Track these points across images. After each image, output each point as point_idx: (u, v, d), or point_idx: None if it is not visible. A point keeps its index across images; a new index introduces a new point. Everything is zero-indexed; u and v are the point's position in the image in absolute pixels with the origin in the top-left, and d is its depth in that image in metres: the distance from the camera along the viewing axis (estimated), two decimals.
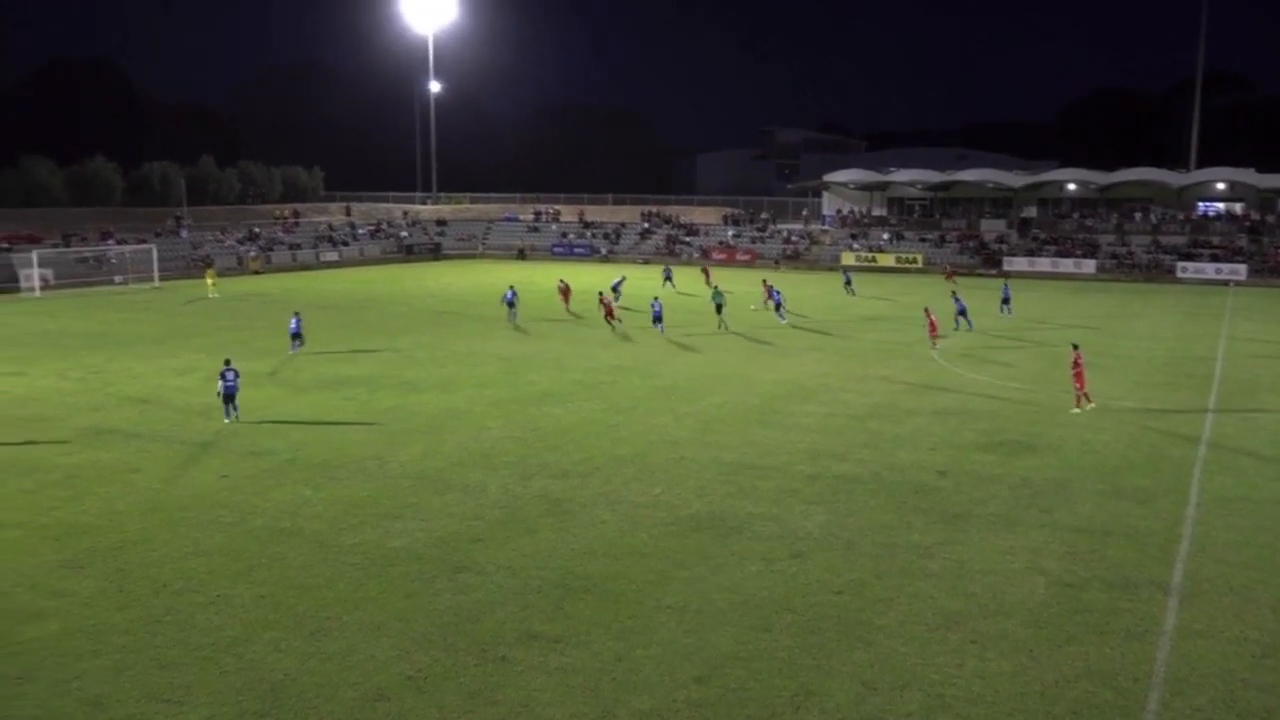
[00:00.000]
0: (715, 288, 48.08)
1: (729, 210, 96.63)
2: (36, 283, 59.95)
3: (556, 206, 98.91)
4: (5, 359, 37.11)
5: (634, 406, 29.10)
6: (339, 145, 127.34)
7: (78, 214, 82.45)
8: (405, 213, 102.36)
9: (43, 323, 46.95)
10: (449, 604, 15.70)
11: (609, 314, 43.88)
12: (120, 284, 64.35)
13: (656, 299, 45.04)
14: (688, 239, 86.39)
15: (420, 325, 46.01)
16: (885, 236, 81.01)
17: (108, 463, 23.35)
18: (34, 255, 61.35)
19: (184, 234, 79.36)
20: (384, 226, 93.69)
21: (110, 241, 71.63)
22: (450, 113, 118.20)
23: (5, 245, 67.01)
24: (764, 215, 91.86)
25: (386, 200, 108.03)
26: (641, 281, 63.15)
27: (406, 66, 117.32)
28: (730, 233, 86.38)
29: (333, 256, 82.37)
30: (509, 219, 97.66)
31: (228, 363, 28.36)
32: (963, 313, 44.63)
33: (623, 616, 15.25)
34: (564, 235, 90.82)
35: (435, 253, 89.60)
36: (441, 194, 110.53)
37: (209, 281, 59.84)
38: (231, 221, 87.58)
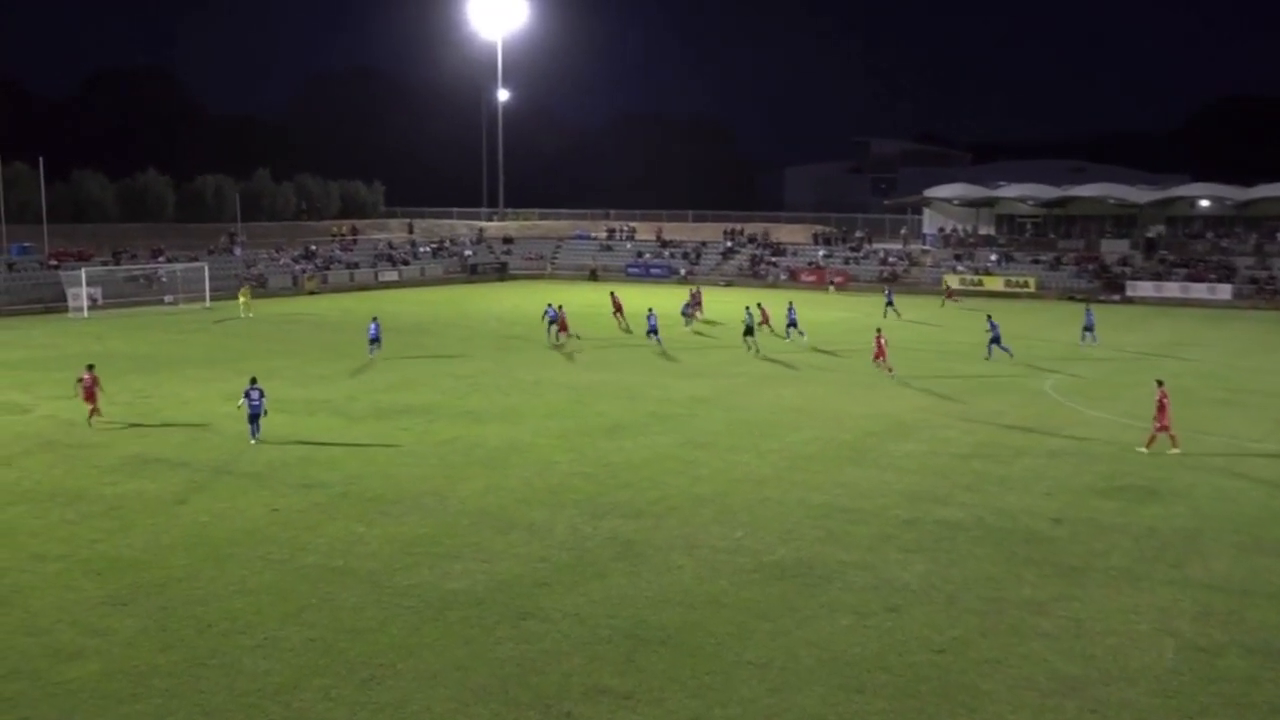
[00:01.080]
0: (748, 308, 48.10)
1: (819, 228, 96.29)
2: (84, 302, 61.90)
3: (632, 224, 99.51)
4: (51, 382, 38.33)
5: (713, 441, 29.00)
6: (400, 158, 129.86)
7: (128, 230, 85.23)
8: (470, 230, 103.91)
9: (89, 344, 48.42)
10: (511, 653, 15.72)
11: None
12: (170, 304, 66.19)
13: (651, 310, 47.90)
14: (774, 259, 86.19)
15: (484, 350, 46.49)
16: (993, 258, 79.92)
17: (153, 493, 23.93)
18: (82, 273, 63.37)
19: (237, 251, 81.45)
20: (447, 244, 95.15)
21: (161, 259, 73.81)
22: (519, 123, 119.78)
23: (54, 263, 69.43)
24: (858, 234, 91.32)
25: (450, 216, 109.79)
26: (727, 305, 62.99)
27: (473, 74, 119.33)
28: (821, 253, 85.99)
29: (392, 276, 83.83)
30: (580, 237, 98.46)
31: (253, 381, 29.44)
32: (996, 340, 43.74)
33: (699, 672, 15.12)
34: (640, 255, 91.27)
35: (501, 273, 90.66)
36: (508, 210, 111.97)
37: (241, 300, 61.33)
38: (287, 238, 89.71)
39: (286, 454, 27.51)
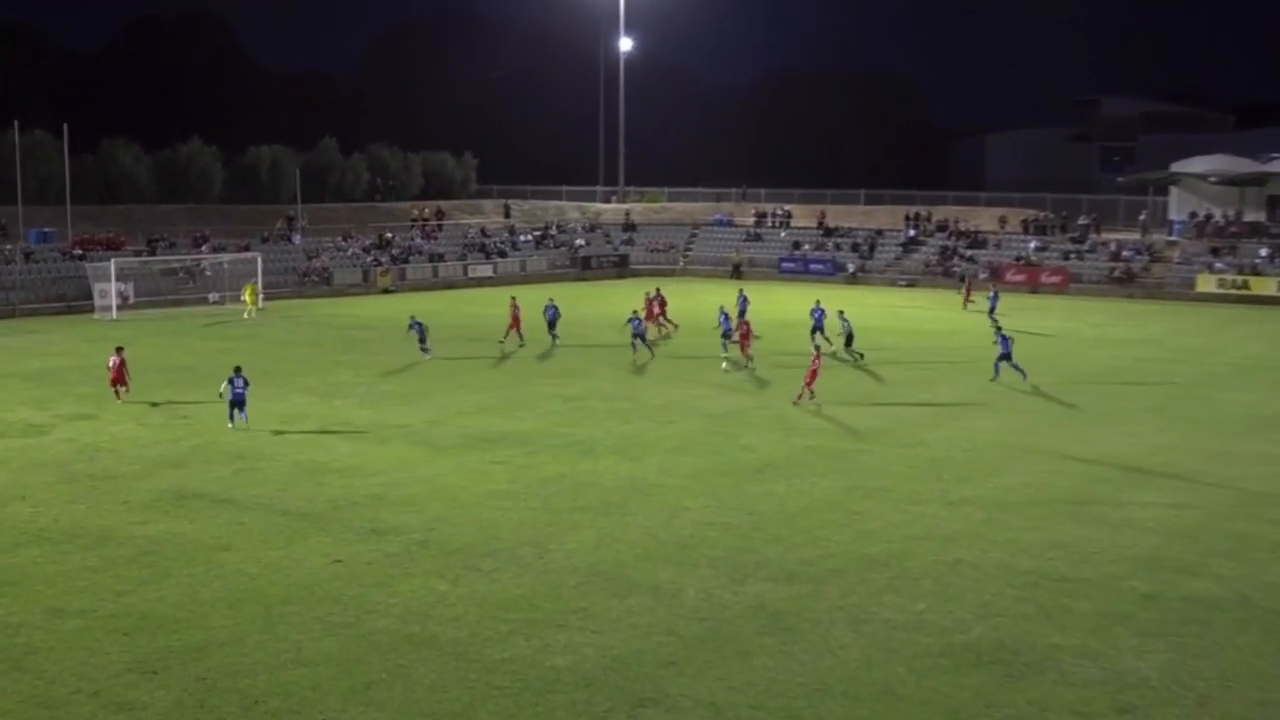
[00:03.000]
0: (841, 312, 49.65)
1: (1030, 213, 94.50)
2: (114, 300, 64.36)
3: (787, 207, 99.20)
4: (73, 397, 39.93)
5: (888, 486, 28.70)
6: (497, 125, 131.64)
7: (166, 212, 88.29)
8: (582, 214, 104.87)
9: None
10: None
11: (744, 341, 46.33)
12: (215, 303, 68.40)
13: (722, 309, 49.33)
14: (969, 252, 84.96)
15: (597, 366, 46.84)
16: (1264, 253, 77.38)
17: (191, 536, 24.69)
18: (111, 265, 65.82)
19: (297, 239, 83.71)
20: (553, 232, 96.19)
21: (204, 248, 76.27)
22: (644, 81, 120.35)
23: (78, 252, 72.29)
24: (1082, 220, 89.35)
25: (558, 197, 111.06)
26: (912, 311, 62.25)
27: (588, 20, 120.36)
28: (1032, 244, 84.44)
29: (485, 271, 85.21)
30: (721, 222, 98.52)
31: (238, 370, 35.57)
32: (1006, 356, 42.72)
33: None
34: (796, 246, 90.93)
35: (620, 267, 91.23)
36: (630, 189, 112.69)
37: (247, 298, 63.48)
38: (356, 224, 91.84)
39: (353, 491, 28.12)
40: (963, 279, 75.39)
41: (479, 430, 34.90)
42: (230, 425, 34.73)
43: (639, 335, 47.79)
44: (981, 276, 76.51)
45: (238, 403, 35.10)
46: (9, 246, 71.57)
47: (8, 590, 21.48)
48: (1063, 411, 38.23)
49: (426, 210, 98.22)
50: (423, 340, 46.96)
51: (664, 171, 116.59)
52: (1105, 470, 30.49)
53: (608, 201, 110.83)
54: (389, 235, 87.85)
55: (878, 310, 63.75)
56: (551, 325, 51.90)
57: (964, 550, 23.87)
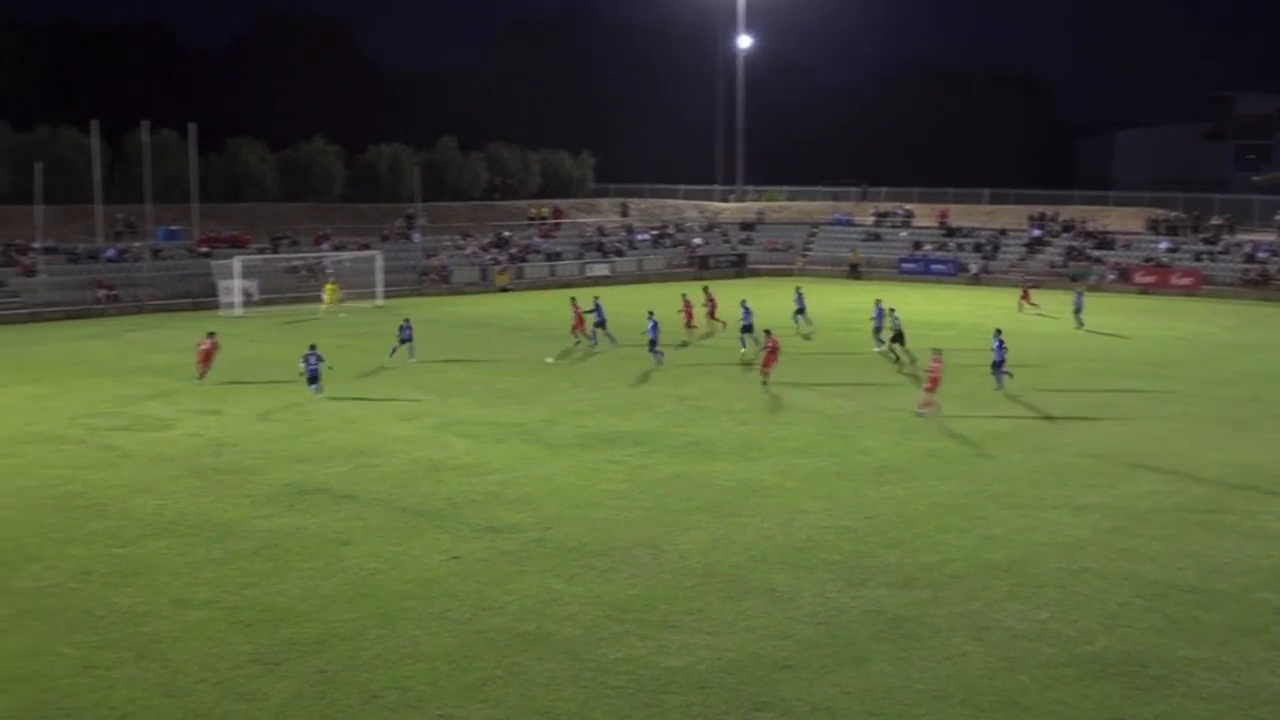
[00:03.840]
0: (892, 310, 49.66)
1: (1160, 213, 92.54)
2: (238, 298, 65.89)
3: (908, 206, 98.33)
4: (199, 393, 40.97)
5: (1011, 491, 28.32)
6: (614, 123, 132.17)
7: (290, 210, 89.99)
8: (700, 213, 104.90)
9: (242, 348, 51.40)
10: None
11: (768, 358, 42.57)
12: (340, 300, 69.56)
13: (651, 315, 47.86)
14: (1097, 252, 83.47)
15: (712, 366, 46.83)
16: None
17: (313, 531, 25.20)
18: (236, 263, 67.42)
19: (416, 237, 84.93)
20: (671, 231, 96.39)
21: (326, 246, 77.75)
22: (764, 79, 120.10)
23: (204, 250, 74.14)
24: (1215, 220, 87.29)
25: (675, 196, 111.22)
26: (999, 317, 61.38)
27: (707, 17, 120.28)
28: (1163, 245, 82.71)
29: (603, 270, 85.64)
30: (840, 221, 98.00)
31: (312, 348, 40.33)
32: (998, 364, 41.55)
33: None
34: (917, 245, 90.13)
35: (738, 266, 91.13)
36: (749, 188, 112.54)
37: (326, 296, 64.47)
38: (475, 222, 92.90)
39: (470, 489, 28.47)
40: (1023, 279, 74.69)
41: (594, 429, 35.10)
42: (312, 392, 39.75)
43: (652, 344, 46.74)
44: (1028, 279, 74.95)
45: (313, 377, 39.82)
46: (138, 244, 73.64)
47: (135, 580, 22.11)
48: (1195, 418, 37.39)
49: (544, 209, 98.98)
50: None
51: (783, 170, 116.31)
52: (1238, 478, 29.76)
53: (726, 200, 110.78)
54: (507, 234, 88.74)
55: (999, 312, 62.83)
56: (748, 329, 49.83)
57: (1089, 558, 23.47)
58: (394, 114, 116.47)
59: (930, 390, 37.51)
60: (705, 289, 59.27)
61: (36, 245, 69.63)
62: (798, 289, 60.10)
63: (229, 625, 20.02)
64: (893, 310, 49.66)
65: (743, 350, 48.88)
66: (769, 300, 63.01)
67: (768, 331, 43.09)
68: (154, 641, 19.32)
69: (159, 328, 59.09)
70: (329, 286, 65.93)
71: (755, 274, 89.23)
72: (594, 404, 39.00)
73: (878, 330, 50.00)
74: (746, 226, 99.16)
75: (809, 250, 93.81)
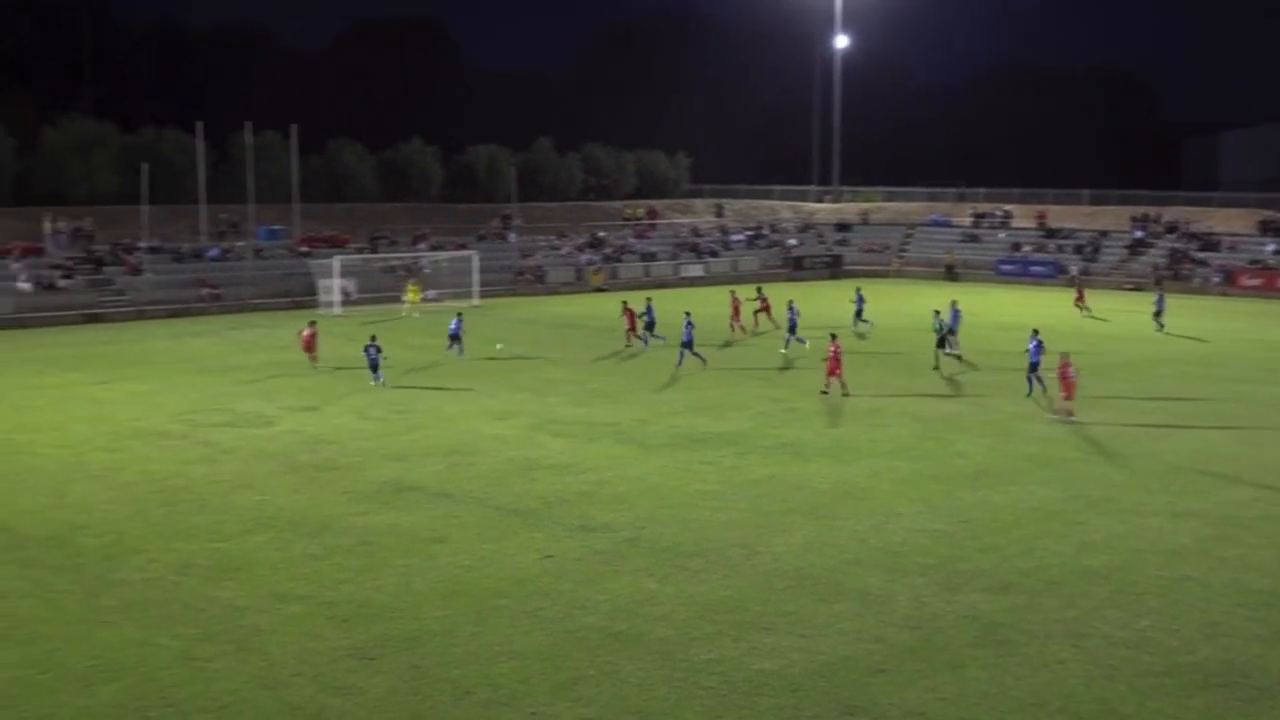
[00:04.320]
0: (936, 312, 48.76)
1: (1268, 214, 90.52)
2: (337, 296, 66.81)
3: (1006, 207, 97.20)
4: (297, 390, 41.62)
5: (1111, 497, 27.89)
6: (710, 123, 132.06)
7: (388, 210, 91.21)
8: (795, 214, 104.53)
9: (340, 346, 52.02)
10: None
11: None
12: (433, 300, 70.23)
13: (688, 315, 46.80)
14: (1201, 254, 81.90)
15: (806, 367, 46.60)
16: None
17: (408, 528, 25.47)
18: (335, 262, 68.40)
19: (512, 237, 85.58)
20: (765, 231, 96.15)
21: (423, 246, 78.59)
22: (860, 79, 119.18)
23: (304, 249, 75.30)
24: None
25: (770, 196, 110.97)
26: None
27: (803, 17, 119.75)
28: (1270, 248, 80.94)
29: (696, 270, 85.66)
30: (937, 223, 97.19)
31: (373, 339, 42.54)
32: (1034, 366, 40.21)
33: None
34: (1016, 247, 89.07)
35: (833, 267, 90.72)
36: (845, 188, 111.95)
37: (408, 297, 65.09)
38: (571, 222, 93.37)
39: (564, 488, 28.61)
40: (1073, 279, 73.58)
41: (688, 430, 35.11)
42: (372, 383, 41.76)
43: (686, 344, 46.18)
44: (1074, 272, 73.69)
45: (373, 366, 41.95)
46: (240, 244, 75.04)
47: (235, 575, 22.49)
48: None
49: (639, 210, 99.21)
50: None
51: (879, 170, 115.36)
52: None
53: (821, 201, 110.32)
54: (602, 234, 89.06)
55: (1121, 315, 62.08)
56: (793, 329, 50.80)
57: (1191, 566, 23.04)
58: (491, 115, 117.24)
59: (1068, 397, 36.58)
60: (759, 289, 59.63)
61: (142, 245, 71.13)
62: (858, 290, 60.19)
63: (325, 620, 20.30)
64: (937, 312, 48.86)
65: (783, 351, 49.30)
66: (870, 304, 62.58)
67: (833, 336, 41.88)
68: (252, 634, 19.64)
69: (260, 326, 60.06)
70: (411, 287, 66.69)
71: (851, 275, 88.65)
72: (687, 405, 39.00)
73: (953, 332, 49.66)
74: (842, 227, 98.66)
75: (905, 251, 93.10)
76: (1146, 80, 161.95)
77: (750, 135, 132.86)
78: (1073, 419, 36.03)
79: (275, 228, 78.69)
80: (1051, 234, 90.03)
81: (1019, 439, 34.04)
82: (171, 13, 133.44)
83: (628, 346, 52.11)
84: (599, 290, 77.89)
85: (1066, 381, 36.38)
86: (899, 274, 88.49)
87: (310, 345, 45.91)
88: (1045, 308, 66.87)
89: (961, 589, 21.72)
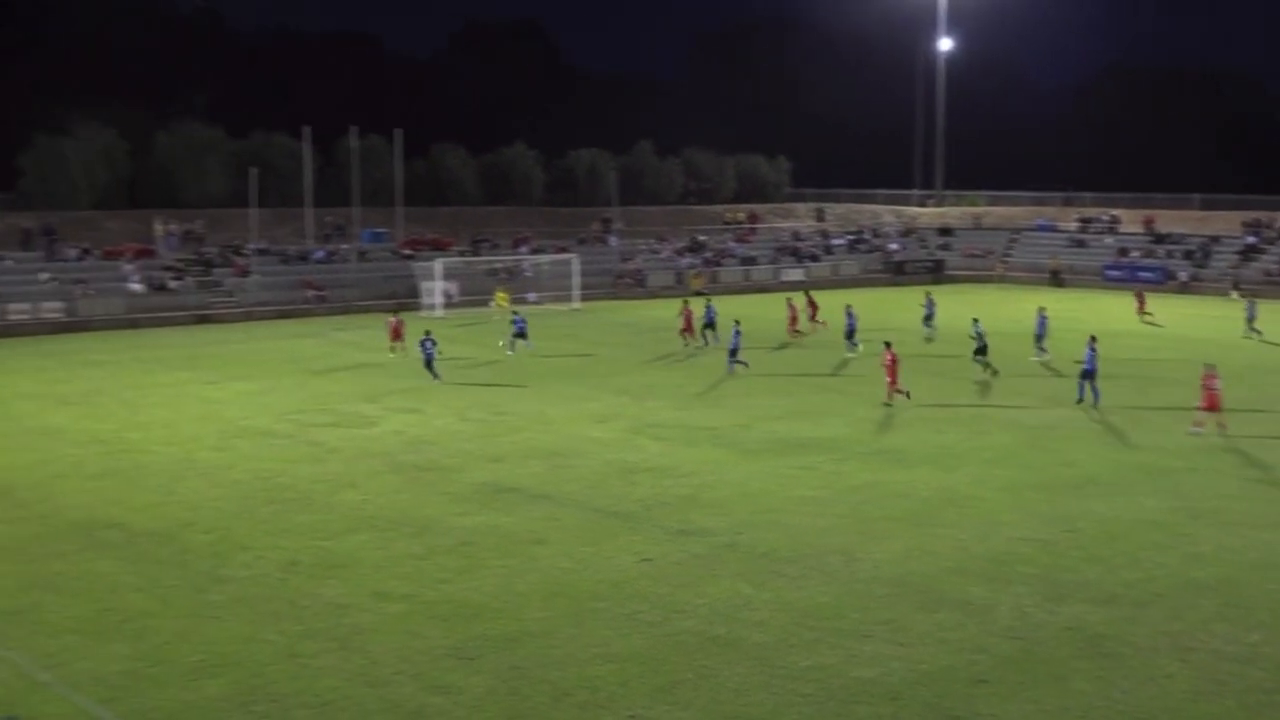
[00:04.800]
0: (975, 320, 48.31)
1: None
2: (439, 299, 67.53)
3: (1113, 211, 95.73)
4: (401, 391, 42.14)
5: (1221, 508, 27.31)
6: (811, 127, 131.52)
7: (490, 214, 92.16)
8: (897, 218, 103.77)
9: (442, 348, 52.58)
10: None
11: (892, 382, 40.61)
12: (533, 303, 70.77)
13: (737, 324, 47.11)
14: None
15: (909, 373, 46.14)
16: None
17: (508, 529, 25.66)
18: (437, 265, 69.17)
19: (613, 241, 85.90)
20: (867, 236, 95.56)
21: (524, 249, 79.17)
22: (964, 81, 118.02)
23: (408, 252, 76.23)
24: None
25: (873, 201, 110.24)
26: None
27: (907, 19, 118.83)
28: None
29: (797, 274, 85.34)
30: (1042, 227, 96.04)
31: (428, 333, 44.70)
32: (1089, 374, 39.34)
33: None
34: (1123, 252, 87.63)
35: (935, 272, 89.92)
36: (948, 192, 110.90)
37: (499, 302, 65.60)
38: (671, 226, 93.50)
39: (663, 491, 28.65)
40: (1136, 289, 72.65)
41: (788, 435, 34.99)
42: (434, 381, 43.24)
43: (733, 351, 46.23)
44: (1140, 285, 72.26)
45: (429, 361, 43.63)
46: (345, 246, 76.18)
47: (338, 573, 22.82)
48: None
49: (740, 214, 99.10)
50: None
51: (983, 174, 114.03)
52: None
53: (924, 205, 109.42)
54: (702, 238, 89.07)
55: (1212, 322, 60.87)
56: (850, 334, 51.57)
57: None
58: (592, 118, 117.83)
59: (1209, 409, 35.05)
60: (807, 293, 60.61)
61: (251, 247, 72.46)
62: (928, 294, 60.01)
63: (426, 619, 20.51)
64: (975, 320, 47.90)
65: (849, 355, 49.79)
66: (968, 307, 61.94)
67: (887, 344, 41.22)
68: (355, 632, 19.91)
69: (364, 328, 60.85)
70: (500, 292, 67.05)
71: (953, 280, 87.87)
72: (787, 409, 38.87)
73: (1039, 338, 49.03)
74: (944, 232, 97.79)
75: (1009, 256, 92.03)
76: (1260, 81, 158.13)
77: (853, 138, 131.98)
78: (1198, 430, 35.04)
79: (379, 230, 79.82)
80: (1160, 239, 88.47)
81: (1126, 448, 33.48)
82: (283, 18, 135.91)
83: (685, 347, 52.82)
84: (699, 294, 77.66)
85: (1210, 394, 34.88)
86: (1003, 279, 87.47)
87: (397, 333, 49.76)
88: (1155, 315, 65.81)
89: (1065, 599, 21.40)
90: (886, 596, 21.59)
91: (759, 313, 61.58)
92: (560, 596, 21.58)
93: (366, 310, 68.23)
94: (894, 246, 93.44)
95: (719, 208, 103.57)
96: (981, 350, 46.04)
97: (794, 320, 56.61)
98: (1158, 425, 36.39)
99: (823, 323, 57.78)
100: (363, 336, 57.50)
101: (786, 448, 33.34)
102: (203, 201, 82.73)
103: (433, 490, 28.91)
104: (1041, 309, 50.34)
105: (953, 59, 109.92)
